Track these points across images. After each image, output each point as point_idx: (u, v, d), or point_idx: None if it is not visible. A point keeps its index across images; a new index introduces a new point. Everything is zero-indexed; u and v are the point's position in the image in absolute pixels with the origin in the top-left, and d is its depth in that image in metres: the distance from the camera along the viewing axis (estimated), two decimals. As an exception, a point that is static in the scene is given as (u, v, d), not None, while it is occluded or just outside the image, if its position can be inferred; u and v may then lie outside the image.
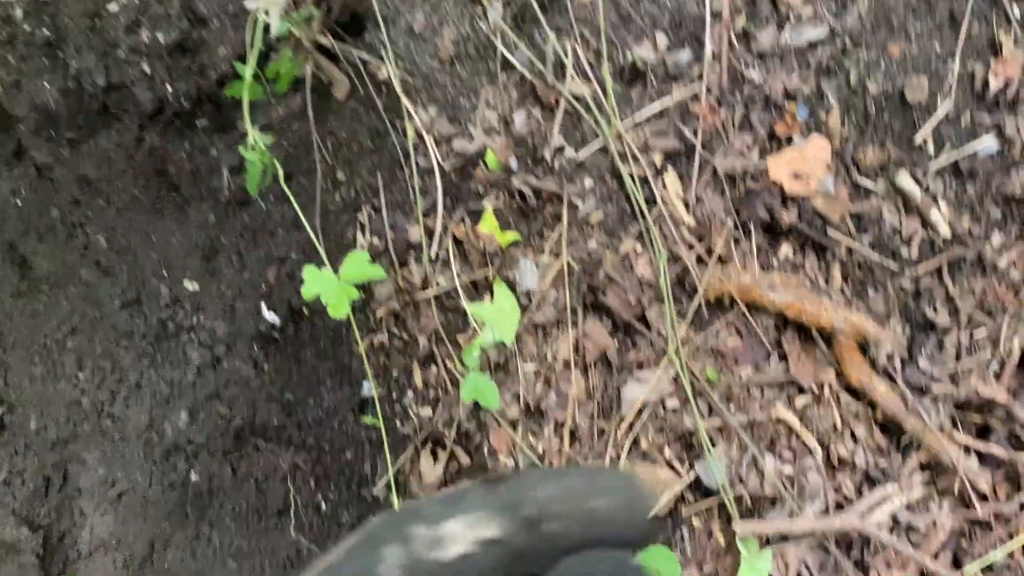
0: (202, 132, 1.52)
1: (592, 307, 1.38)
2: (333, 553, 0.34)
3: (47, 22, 1.52)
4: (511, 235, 1.39)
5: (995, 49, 1.27)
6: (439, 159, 1.39)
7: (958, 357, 1.27)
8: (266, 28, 1.36)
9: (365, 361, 1.31)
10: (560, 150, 1.39)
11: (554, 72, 1.39)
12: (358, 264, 1.14)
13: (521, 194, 1.39)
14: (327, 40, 1.41)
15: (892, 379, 1.27)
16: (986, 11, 1.28)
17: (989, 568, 1.25)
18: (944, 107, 1.29)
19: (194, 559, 1.48)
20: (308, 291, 1.13)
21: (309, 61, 1.40)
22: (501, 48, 1.40)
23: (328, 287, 1.13)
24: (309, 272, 1.15)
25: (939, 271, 1.29)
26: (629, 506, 0.34)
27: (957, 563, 1.25)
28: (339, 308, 1.11)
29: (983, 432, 1.27)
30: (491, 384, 1.32)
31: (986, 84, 1.27)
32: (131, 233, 1.59)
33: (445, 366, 1.40)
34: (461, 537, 0.32)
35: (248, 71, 1.20)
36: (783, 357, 1.31)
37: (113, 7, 1.50)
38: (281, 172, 1.19)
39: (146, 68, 1.50)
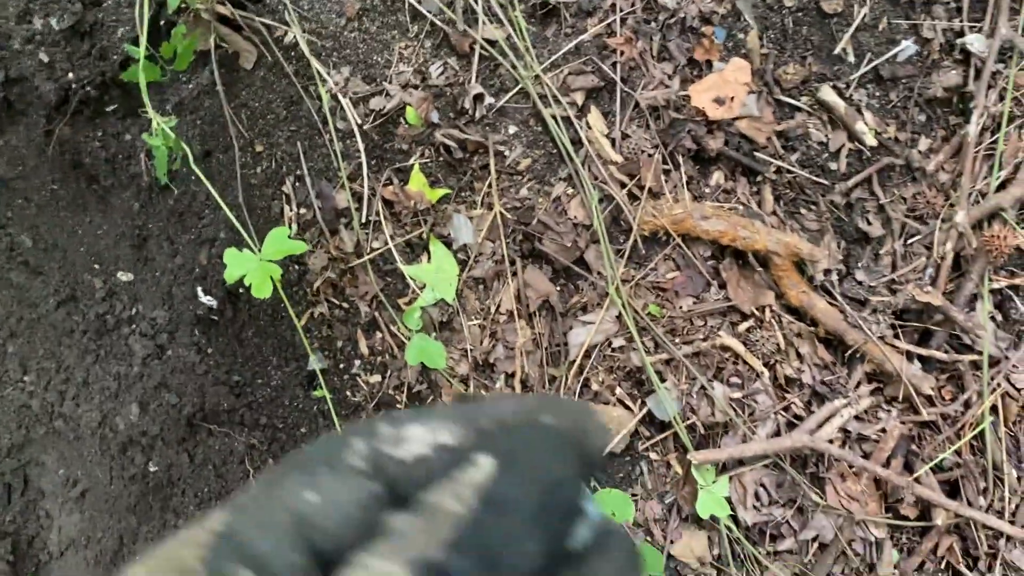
0: (113, 118, 1.48)
1: (530, 255, 1.37)
2: (311, 444, 0.38)
3: (-66, 20, 1.46)
4: (441, 191, 1.37)
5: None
6: (358, 120, 1.36)
7: (894, 266, 1.28)
8: (161, 4, 1.31)
9: (305, 336, 1.30)
10: (480, 98, 1.37)
11: (465, 19, 1.35)
12: (279, 241, 1.13)
13: (446, 148, 1.37)
14: (227, 9, 1.37)
15: (831, 295, 1.28)
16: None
17: (940, 469, 1.28)
18: (860, 14, 1.27)
19: (164, 548, 1.49)
20: (230, 274, 1.11)
21: (212, 33, 1.36)
22: (406, 6, 1.36)
23: (251, 268, 1.11)
24: (230, 255, 1.13)
25: (869, 182, 1.29)
26: (582, 428, 0.35)
27: (909, 468, 1.28)
28: (263, 288, 1.10)
29: (924, 338, 1.29)
30: (437, 344, 1.31)
31: (900, -13, 1.25)
32: (56, 230, 1.56)
33: (389, 331, 1.40)
34: (420, 439, 0.34)
35: (141, 52, 1.16)
36: (722, 285, 1.31)
37: (0, -3, 1.44)
38: (191, 153, 1.16)
39: (44, 57, 1.45)
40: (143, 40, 1.14)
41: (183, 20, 1.34)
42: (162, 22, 1.40)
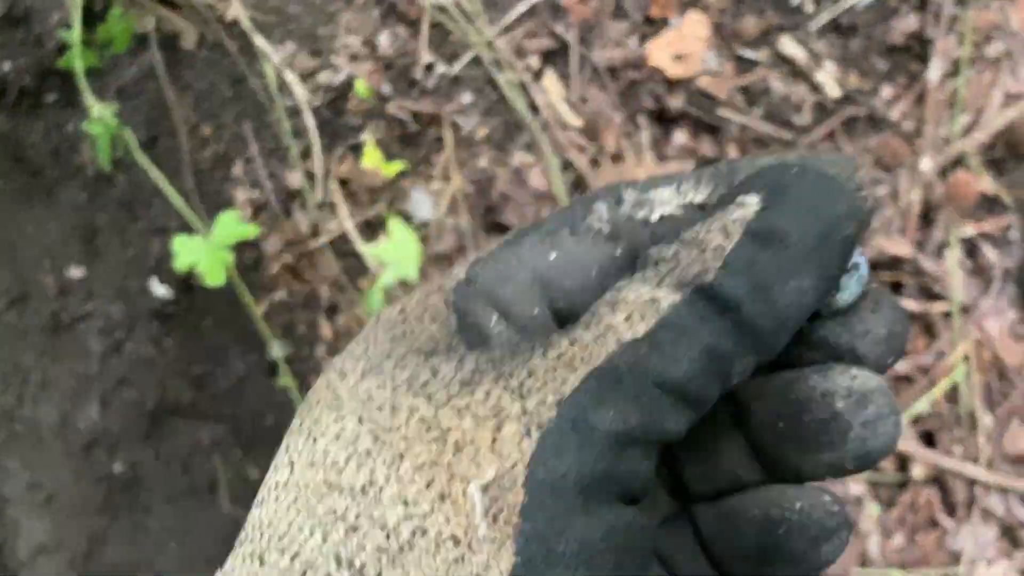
0: (53, 108, 1.43)
1: (493, 227, 1.35)
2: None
3: None
4: (397, 165, 1.35)
5: None
6: (306, 97, 1.33)
7: (861, 219, 1.27)
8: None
9: (263, 322, 1.27)
10: (431, 67, 1.34)
11: (412, -15, 1.32)
12: (229, 225, 1.10)
13: (400, 121, 1.34)
14: (163, -12, 1.33)
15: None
16: None
17: (916, 421, 1.28)
18: (816, -38, 1.25)
19: (135, 547, 1.46)
20: (181, 261, 1.09)
21: (149, 14, 1.32)
22: (349, -32, 1.33)
23: (201, 255, 1.08)
24: (179, 242, 1.10)
25: (832, 134, 1.28)
26: (853, 179, 0.31)
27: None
28: (215, 275, 1.08)
29: (895, 289, 1.28)
30: (399, 323, 1.29)
31: (854, -69, 1.23)
32: (2, 227, 1.52)
33: (352, 313, 1.37)
34: (667, 200, 0.33)
35: (75, 36, 1.12)
36: (689, 247, 1.30)
37: (-76, -14, 1.39)
38: (135, 141, 1.12)
39: (-25, 48, 1.40)
40: (76, 25, 1.10)
41: (118, 1, 1.30)
42: (97, 7, 1.35)
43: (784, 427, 0.30)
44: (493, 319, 0.31)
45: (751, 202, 0.29)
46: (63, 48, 1.40)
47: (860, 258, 0.30)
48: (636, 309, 0.27)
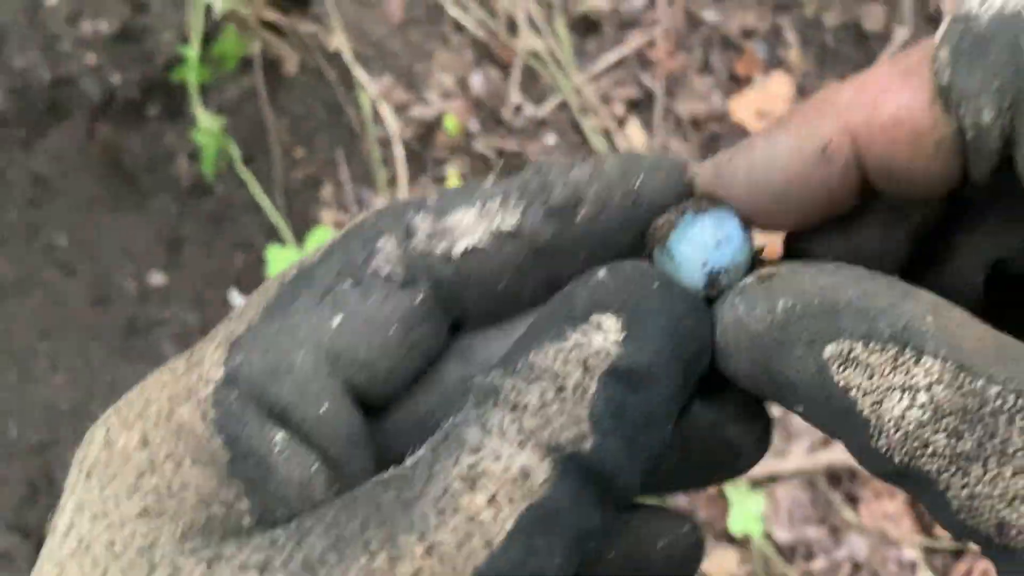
0: (154, 120, 1.52)
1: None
2: (313, 248, 0.30)
3: (-16, 20, 1.51)
4: (477, 199, 1.40)
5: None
6: (398, 128, 1.40)
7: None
8: (209, 8, 1.36)
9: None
10: (519, 108, 1.40)
11: (507, 29, 1.39)
12: (322, 240, 1.15)
13: (484, 157, 1.40)
14: (272, 15, 1.41)
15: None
16: (937, -68, 1.30)
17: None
18: (901, 34, 1.31)
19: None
20: (273, 270, 1.14)
21: (256, 38, 1.40)
22: (451, 10, 1.40)
23: (294, 265, 1.14)
24: (272, 252, 1.16)
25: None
26: (679, 184, 0.28)
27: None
28: (306, 285, 1.13)
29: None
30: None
31: (939, 8, 1.28)
32: (92, 230, 1.60)
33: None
34: (471, 228, 0.27)
35: (193, 52, 1.20)
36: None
37: (51, 1, 1.49)
38: (239, 154, 1.19)
39: (91, 59, 1.49)
40: (196, 41, 1.18)
41: (229, 25, 1.38)
42: (207, 28, 1.44)
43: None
44: (276, 439, 0.25)
45: (609, 328, 0.25)
46: (171, 64, 1.49)
47: (731, 231, 0.27)
48: (502, 487, 0.23)
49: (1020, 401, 0.21)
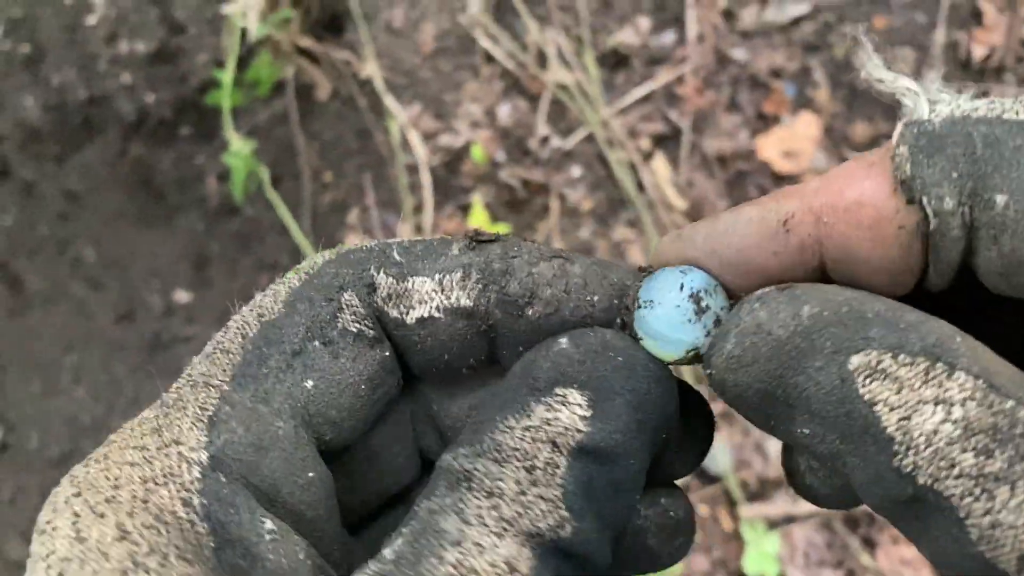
0: (186, 140, 1.54)
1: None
2: (270, 296, 0.29)
3: (26, 38, 1.55)
4: (501, 227, 1.42)
5: (977, 17, 1.29)
6: (426, 155, 1.41)
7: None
8: (244, 33, 1.38)
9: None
10: (546, 140, 1.41)
11: (537, 62, 1.41)
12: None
13: (510, 187, 1.42)
14: (307, 41, 1.44)
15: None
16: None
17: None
18: (931, 79, 1.31)
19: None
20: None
21: (290, 64, 1.43)
22: (482, 41, 1.42)
23: (319, 290, 1.15)
24: (299, 276, 1.17)
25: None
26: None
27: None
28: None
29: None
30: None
31: (970, 53, 1.28)
32: (120, 246, 1.62)
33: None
34: (429, 297, 0.28)
35: (228, 77, 1.22)
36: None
37: (91, 20, 1.53)
38: (267, 177, 1.21)
39: (126, 79, 1.52)
40: (231, 65, 1.20)
41: (264, 50, 1.41)
42: (242, 52, 1.47)
43: None
44: (266, 528, 0.24)
45: (574, 402, 0.25)
46: (206, 86, 1.52)
47: (711, 298, 0.27)
48: None
49: None
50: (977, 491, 0.21)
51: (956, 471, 0.21)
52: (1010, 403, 0.21)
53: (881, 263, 0.25)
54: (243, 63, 1.47)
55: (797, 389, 0.23)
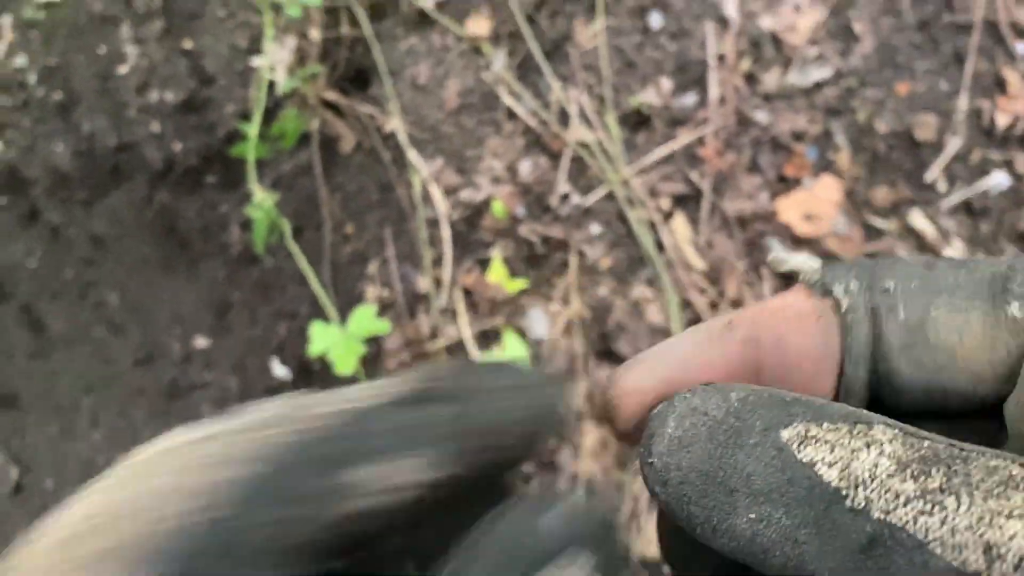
0: (211, 189, 1.57)
1: (604, 355, 1.39)
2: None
3: (60, 85, 1.59)
4: (520, 283, 1.42)
5: (1001, 85, 1.29)
6: (446, 210, 1.43)
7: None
8: (272, 85, 1.41)
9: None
10: (566, 197, 1.42)
11: (559, 119, 1.43)
12: (365, 319, 1.17)
13: (529, 242, 1.42)
14: (333, 95, 1.46)
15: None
16: (991, 48, 1.31)
17: None
18: (953, 145, 1.31)
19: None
20: (316, 347, 1.16)
21: (315, 116, 1.45)
22: (505, 99, 1.44)
23: (335, 343, 1.16)
24: (316, 328, 1.18)
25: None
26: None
27: None
28: (346, 363, 1.14)
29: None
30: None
31: (993, 120, 1.28)
32: (143, 291, 1.64)
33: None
34: (368, 482, 0.25)
35: (253, 130, 1.24)
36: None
37: (123, 69, 1.56)
38: (289, 229, 1.23)
39: (155, 127, 1.55)
40: (256, 119, 1.22)
41: (291, 103, 1.43)
42: (269, 104, 1.50)
43: None
44: None
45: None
46: (232, 136, 1.55)
47: None
48: None
49: (965, 453, 0.23)
50: (928, 507, 0.22)
51: (903, 499, 0.22)
52: (926, 443, 0.23)
53: (807, 350, 0.29)
54: (269, 115, 1.50)
55: (737, 467, 0.24)
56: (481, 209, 1.44)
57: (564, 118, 1.43)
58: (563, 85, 1.44)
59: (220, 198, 1.58)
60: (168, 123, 1.57)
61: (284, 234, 1.27)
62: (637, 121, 1.43)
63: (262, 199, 1.23)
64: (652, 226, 1.39)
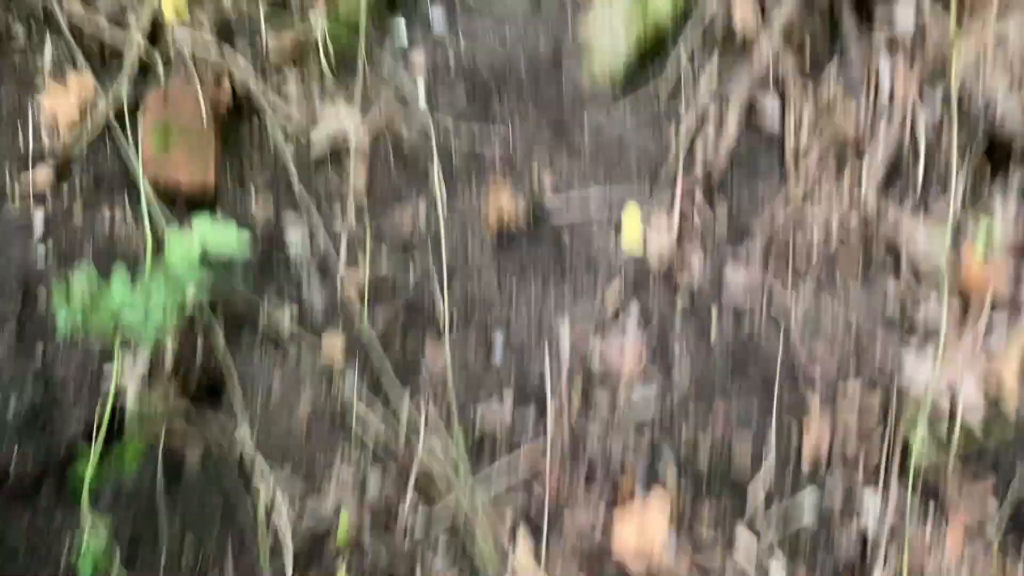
0: (44, 502, 1.51)
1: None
2: None
3: None
4: (365, 602, 1.40)
5: (805, 408, 1.44)
6: (289, 523, 1.42)
7: None
8: (115, 408, 1.41)
9: None
10: (414, 507, 1.45)
11: (407, 431, 1.47)
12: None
13: (375, 562, 1.43)
14: (183, 403, 1.47)
15: None
16: (793, 374, 1.46)
17: None
18: (768, 462, 1.42)
19: None
20: None
21: (161, 431, 1.45)
22: (354, 418, 1.49)
23: None
24: None
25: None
26: None
27: None
28: None
29: None
30: None
31: (801, 439, 1.42)
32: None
33: None
34: None
35: (93, 456, 1.24)
36: None
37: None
38: (117, 560, 1.19)
39: (-7, 438, 1.51)
40: (96, 448, 1.22)
41: (137, 423, 1.44)
42: (117, 418, 1.49)
43: None
44: None
45: None
46: (72, 450, 1.51)
47: None
48: None
49: None
50: None
51: None
52: None
53: None
54: (115, 429, 1.48)
55: None
56: (328, 523, 1.45)
57: (413, 430, 1.48)
58: (412, 397, 1.50)
59: (53, 516, 1.52)
60: (9, 431, 1.53)
61: (113, 563, 1.23)
62: (481, 437, 1.50)
63: (93, 532, 1.21)
64: (496, 539, 1.42)
